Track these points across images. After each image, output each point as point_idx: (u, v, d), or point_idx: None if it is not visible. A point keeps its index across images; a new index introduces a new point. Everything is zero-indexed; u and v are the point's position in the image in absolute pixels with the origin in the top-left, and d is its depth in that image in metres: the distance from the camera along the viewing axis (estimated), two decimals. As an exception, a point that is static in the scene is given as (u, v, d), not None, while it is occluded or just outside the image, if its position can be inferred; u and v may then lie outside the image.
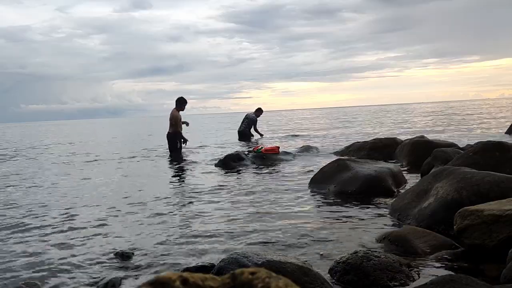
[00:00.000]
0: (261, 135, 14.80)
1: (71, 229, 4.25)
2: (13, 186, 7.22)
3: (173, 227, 4.14)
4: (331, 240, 3.48)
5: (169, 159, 10.15)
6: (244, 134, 14.43)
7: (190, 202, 5.24)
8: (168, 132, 10.74)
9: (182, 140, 10.73)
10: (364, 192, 5.12)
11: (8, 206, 5.47)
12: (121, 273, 3.01)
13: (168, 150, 10.88)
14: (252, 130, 14.61)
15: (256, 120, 14.56)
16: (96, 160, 10.94)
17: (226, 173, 7.55)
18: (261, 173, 7.37)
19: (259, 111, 14.60)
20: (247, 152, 9.15)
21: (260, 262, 2.47)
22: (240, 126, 14.73)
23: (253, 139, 14.29)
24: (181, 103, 10.56)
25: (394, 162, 7.28)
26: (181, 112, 10.64)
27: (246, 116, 14.75)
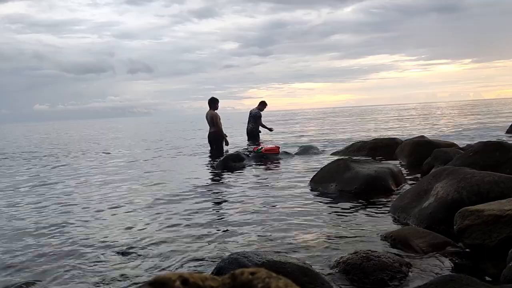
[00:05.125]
0: (270, 129, 13.38)
1: (70, 223, 4.26)
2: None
3: (172, 226, 4.14)
4: (331, 240, 3.48)
5: (209, 156, 10.27)
6: (253, 134, 13.11)
7: (190, 202, 5.23)
8: (210, 132, 10.93)
9: (225, 142, 10.96)
10: (364, 192, 5.12)
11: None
12: (120, 272, 3.01)
13: (210, 149, 11.04)
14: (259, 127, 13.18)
15: (261, 115, 13.13)
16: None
17: (225, 173, 7.55)
18: (261, 173, 7.36)
19: (262, 105, 13.10)
20: (247, 152, 9.15)
21: (260, 262, 2.47)
22: (248, 125, 13.31)
23: (261, 135, 13.23)
24: (213, 102, 10.79)
25: (394, 162, 7.28)
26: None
27: (250, 113, 13.29)
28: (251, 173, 7.46)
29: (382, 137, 10.75)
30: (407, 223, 3.79)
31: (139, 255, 3.35)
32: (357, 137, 13.54)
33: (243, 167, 7.97)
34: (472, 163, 4.70)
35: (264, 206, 4.81)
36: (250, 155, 8.84)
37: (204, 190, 6.01)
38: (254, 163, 8.42)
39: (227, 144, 10.98)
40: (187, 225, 4.16)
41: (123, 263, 3.21)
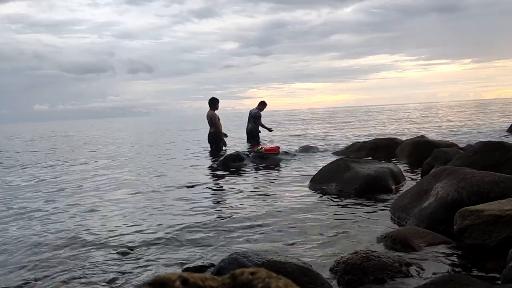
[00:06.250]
0: (270, 129, 13.36)
1: (69, 221, 4.27)
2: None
3: (173, 226, 4.14)
4: (331, 240, 3.48)
5: (210, 157, 10.25)
6: (253, 134, 13.06)
7: (189, 202, 5.23)
8: (210, 132, 10.93)
9: (222, 143, 10.95)
10: (364, 191, 5.12)
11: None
12: (120, 271, 3.01)
13: (210, 149, 11.03)
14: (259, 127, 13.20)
15: (260, 115, 13.09)
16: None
17: (226, 173, 7.55)
18: (261, 173, 7.36)
19: (262, 105, 13.08)
20: (247, 152, 9.15)
21: (260, 262, 2.47)
22: (247, 125, 13.27)
23: (261, 135, 13.24)
24: (213, 103, 10.74)
25: (394, 162, 7.28)
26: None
27: (249, 113, 13.24)
28: (251, 173, 7.46)
29: (382, 137, 10.75)
30: (407, 223, 3.79)
31: (139, 255, 3.35)
32: (357, 137, 13.54)
33: (243, 167, 7.97)
34: (472, 163, 4.70)
35: (264, 206, 4.81)
36: (250, 155, 8.84)
37: (204, 190, 6.01)
38: (254, 163, 8.42)
39: (224, 145, 10.97)
40: (187, 225, 4.16)
41: (123, 262, 3.21)
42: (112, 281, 2.88)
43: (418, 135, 10.47)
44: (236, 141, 13.37)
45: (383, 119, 29.13)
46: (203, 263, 3.09)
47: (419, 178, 5.67)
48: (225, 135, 11.18)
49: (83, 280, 2.92)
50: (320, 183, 5.72)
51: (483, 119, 21.06)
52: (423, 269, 2.77)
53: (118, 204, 5.34)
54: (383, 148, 8.62)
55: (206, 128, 11.49)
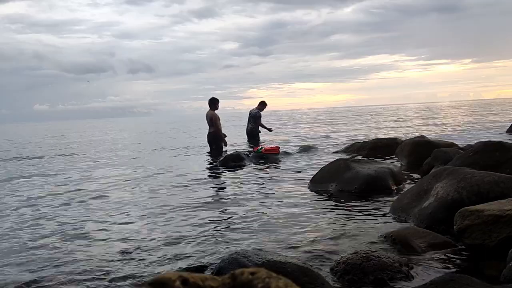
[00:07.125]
0: (270, 129, 13.35)
1: (73, 222, 4.27)
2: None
3: (173, 226, 4.14)
4: (331, 240, 3.48)
5: (210, 157, 10.22)
6: (253, 134, 13.06)
7: (190, 202, 5.23)
8: (209, 132, 10.93)
9: (223, 142, 10.92)
10: (364, 191, 5.12)
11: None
12: (120, 271, 3.00)
13: (210, 149, 11.00)
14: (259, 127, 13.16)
15: (260, 115, 13.04)
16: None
17: (225, 173, 7.54)
18: (261, 174, 7.36)
19: (262, 105, 13.03)
20: (247, 152, 9.14)
21: (260, 262, 2.47)
22: (247, 125, 13.26)
23: (261, 135, 13.21)
24: (213, 103, 10.76)
25: (394, 162, 7.28)
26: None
27: (249, 113, 13.20)
28: (251, 173, 7.46)
29: (382, 137, 10.75)
30: (407, 223, 3.79)
31: (139, 255, 3.35)
32: (357, 137, 13.54)
33: (243, 167, 7.97)
34: (472, 163, 4.70)
35: (264, 206, 4.81)
36: (250, 155, 8.83)
37: (204, 190, 6.01)
38: (254, 163, 8.41)
39: (225, 144, 10.97)
40: (187, 225, 4.16)
41: (123, 262, 3.21)
42: (112, 280, 2.88)
43: (418, 135, 10.46)
44: (236, 141, 13.37)
45: (383, 119, 29.13)
46: (203, 263, 3.09)
47: (419, 178, 5.66)
48: (224, 135, 11.18)
49: (82, 281, 2.92)
50: (320, 183, 5.72)
51: (483, 119, 21.06)
52: (423, 269, 2.77)
53: (118, 204, 5.33)
54: (383, 148, 8.62)
55: (206, 128, 11.48)
